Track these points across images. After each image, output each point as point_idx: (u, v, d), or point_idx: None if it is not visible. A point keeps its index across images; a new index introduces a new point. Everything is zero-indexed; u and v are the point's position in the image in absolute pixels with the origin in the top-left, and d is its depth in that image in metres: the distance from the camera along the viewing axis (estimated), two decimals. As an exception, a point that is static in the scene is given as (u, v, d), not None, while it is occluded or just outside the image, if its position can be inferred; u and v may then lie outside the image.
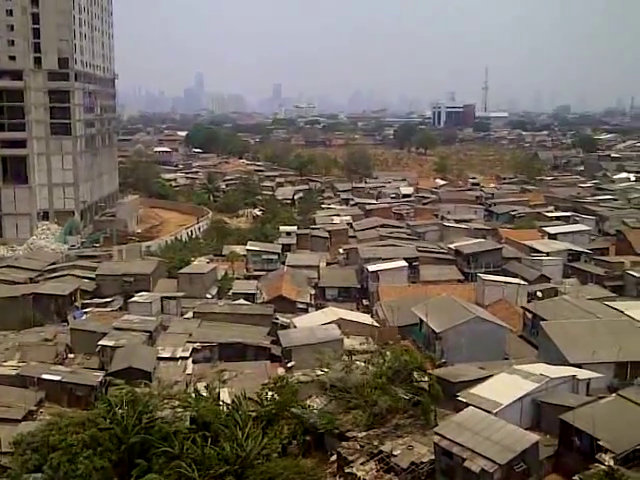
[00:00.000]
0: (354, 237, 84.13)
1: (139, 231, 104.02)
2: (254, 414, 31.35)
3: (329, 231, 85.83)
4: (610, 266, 64.14)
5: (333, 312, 48.52)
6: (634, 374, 34.04)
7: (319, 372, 34.95)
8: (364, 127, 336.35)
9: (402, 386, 32.36)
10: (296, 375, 35.98)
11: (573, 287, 56.28)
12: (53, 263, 71.72)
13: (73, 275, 62.89)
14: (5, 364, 41.36)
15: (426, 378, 32.88)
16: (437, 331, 41.30)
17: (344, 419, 31.86)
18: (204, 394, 32.56)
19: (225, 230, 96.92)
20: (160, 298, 54.95)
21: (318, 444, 31.70)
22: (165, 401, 31.59)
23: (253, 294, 57.39)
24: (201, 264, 68.07)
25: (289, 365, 39.92)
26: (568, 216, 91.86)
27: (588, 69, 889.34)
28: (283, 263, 68.61)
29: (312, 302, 56.91)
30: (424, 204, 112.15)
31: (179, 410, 30.74)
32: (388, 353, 34.32)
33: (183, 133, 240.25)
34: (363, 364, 34.74)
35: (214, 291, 60.18)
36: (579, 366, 33.47)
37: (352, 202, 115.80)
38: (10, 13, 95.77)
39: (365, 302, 59.82)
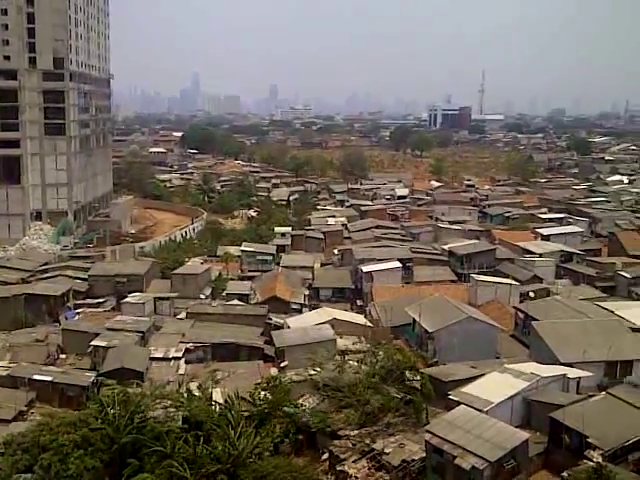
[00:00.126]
0: (349, 238, 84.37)
1: (133, 232, 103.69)
2: (247, 413, 31.42)
3: (324, 232, 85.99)
4: (602, 267, 64.63)
5: (327, 312, 48.71)
6: (623, 373, 34.41)
7: (312, 372, 35.03)
8: (360, 129, 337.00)
9: (394, 385, 32.55)
10: (289, 375, 36.05)
11: (565, 288, 56.66)
12: (45, 263, 71.63)
13: (65, 275, 62.81)
14: (-4, 365, 41.20)
15: (418, 377, 33.02)
16: (430, 331, 41.53)
17: (336, 418, 31.99)
18: (197, 394, 32.57)
19: (220, 231, 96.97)
20: (153, 299, 54.93)
21: (310, 443, 31.82)
22: (157, 401, 31.42)
23: (247, 295, 57.50)
24: (195, 265, 68.05)
25: (282, 365, 40.03)
26: (561, 218, 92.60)
27: (584, 73, 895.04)
28: (278, 264, 68.70)
29: (306, 303, 57.04)
30: (419, 205, 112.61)
31: (171, 410, 30.67)
32: (381, 353, 34.48)
33: (178, 134, 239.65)
34: (356, 364, 34.94)
35: (208, 292, 60.14)
36: (570, 365, 33.76)
37: (347, 203, 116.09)
38: (5, 12, 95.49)
39: (359, 302, 59.98)
